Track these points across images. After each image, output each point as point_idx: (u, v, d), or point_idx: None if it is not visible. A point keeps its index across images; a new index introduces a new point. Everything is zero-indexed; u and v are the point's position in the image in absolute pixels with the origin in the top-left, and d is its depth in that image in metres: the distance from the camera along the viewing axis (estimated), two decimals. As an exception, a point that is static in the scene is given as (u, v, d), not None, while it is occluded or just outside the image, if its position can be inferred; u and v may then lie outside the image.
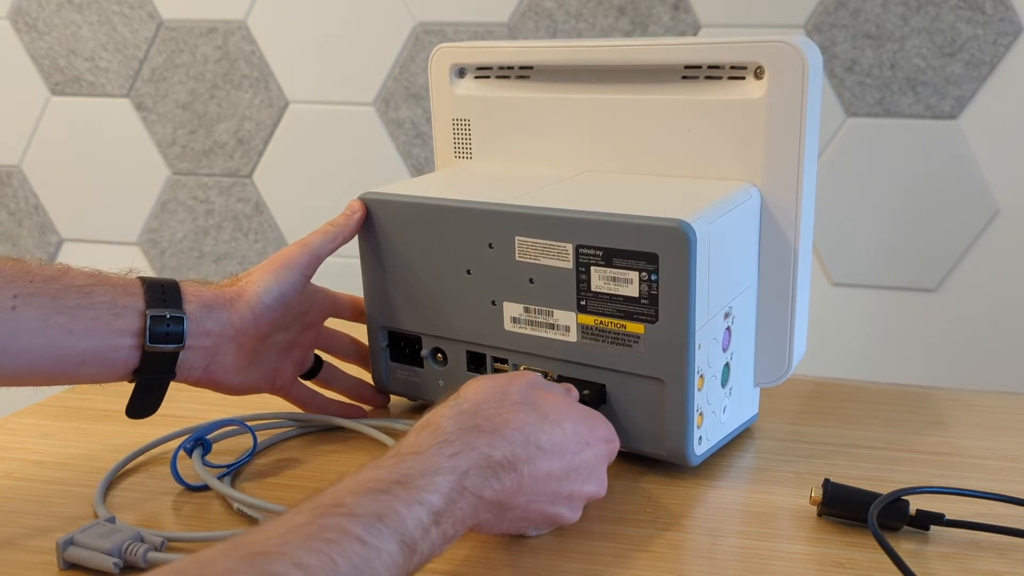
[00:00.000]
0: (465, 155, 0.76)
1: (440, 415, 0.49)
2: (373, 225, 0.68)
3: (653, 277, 0.57)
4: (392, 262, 0.67)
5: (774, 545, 0.55)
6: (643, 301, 0.57)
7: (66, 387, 0.79)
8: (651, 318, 0.58)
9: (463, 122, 0.75)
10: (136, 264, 1.56)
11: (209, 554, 0.37)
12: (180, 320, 0.58)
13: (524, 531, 0.54)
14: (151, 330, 0.57)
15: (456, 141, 0.76)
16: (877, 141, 1.24)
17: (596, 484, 0.54)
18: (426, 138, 1.41)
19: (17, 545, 0.56)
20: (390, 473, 0.43)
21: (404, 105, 1.39)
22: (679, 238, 0.55)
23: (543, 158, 0.72)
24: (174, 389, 0.78)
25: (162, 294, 0.57)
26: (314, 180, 1.44)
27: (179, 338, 0.58)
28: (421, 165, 1.36)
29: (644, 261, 0.57)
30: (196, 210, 1.51)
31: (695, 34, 1.25)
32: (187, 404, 0.75)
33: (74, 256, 1.59)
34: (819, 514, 0.57)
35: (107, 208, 1.55)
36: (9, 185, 1.57)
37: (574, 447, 0.52)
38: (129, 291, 0.57)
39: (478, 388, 0.52)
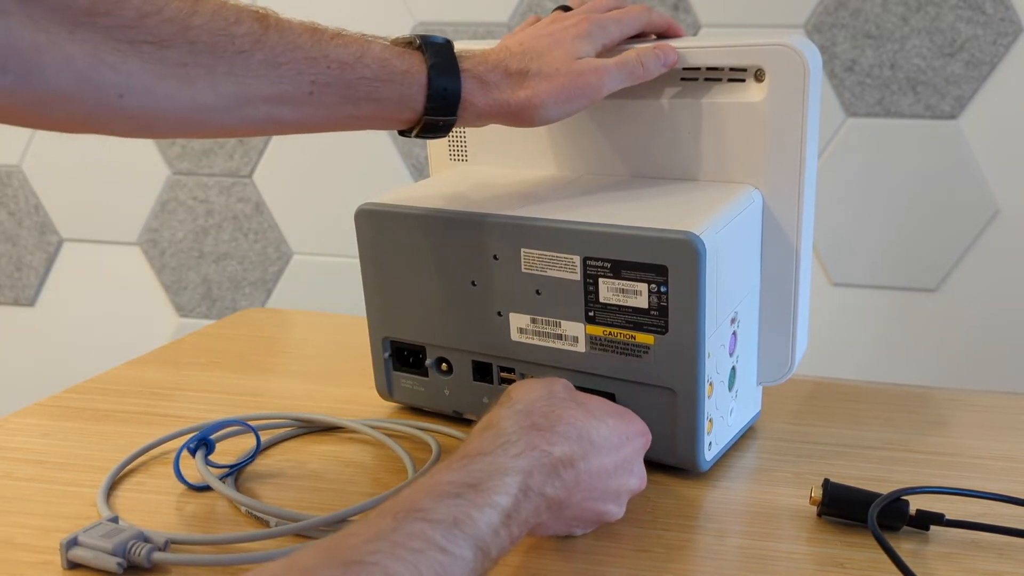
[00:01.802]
0: (460, 158, 0.75)
1: (499, 416, 0.50)
2: (374, 236, 0.67)
3: (663, 289, 0.56)
4: (394, 273, 0.67)
5: (774, 545, 0.55)
6: (652, 312, 0.57)
7: (67, 387, 0.79)
8: (661, 329, 0.58)
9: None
10: (138, 263, 1.56)
11: (306, 558, 0.38)
12: (452, 124, 0.59)
13: (572, 531, 0.55)
14: (425, 122, 0.59)
15: (451, 144, 0.75)
16: (877, 141, 1.24)
17: (638, 478, 0.55)
18: (426, 138, 1.41)
19: (19, 545, 0.56)
20: (462, 476, 0.44)
21: (404, 105, 1.39)
22: (689, 250, 0.55)
23: (539, 161, 0.72)
24: (176, 389, 0.78)
25: (442, 103, 0.58)
26: (314, 180, 1.44)
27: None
28: (421, 164, 1.36)
29: (653, 273, 0.57)
30: (196, 210, 1.51)
31: (695, 34, 1.25)
32: (189, 404, 0.75)
33: (74, 256, 1.59)
34: (819, 514, 0.57)
35: (107, 208, 1.55)
36: (9, 185, 1.57)
37: (617, 442, 0.53)
38: (411, 104, 0.58)
39: (527, 388, 0.53)
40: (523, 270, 0.61)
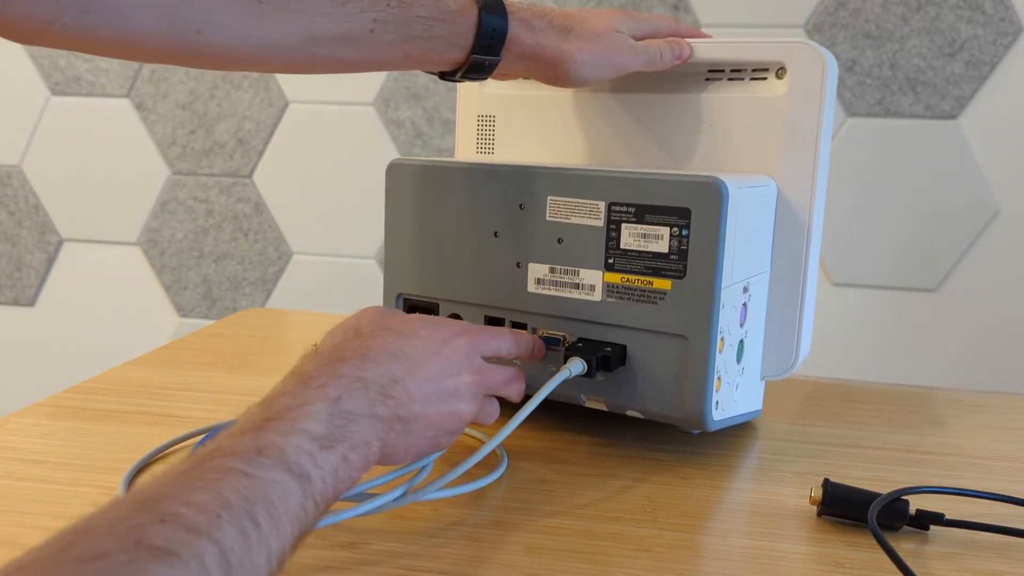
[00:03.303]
0: (487, 151, 0.78)
1: (301, 363, 0.50)
2: (403, 189, 0.69)
3: (684, 232, 0.59)
4: (418, 226, 0.69)
5: (774, 545, 0.55)
6: (672, 257, 0.59)
7: (67, 387, 0.79)
8: (679, 274, 0.59)
9: (488, 119, 0.77)
10: (138, 263, 1.56)
11: (103, 508, 0.38)
12: (495, 64, 0.62)
13: (439, 443, 0.54)
14: (472, 62, 0.61)
15: (479, 137, 0.78)
16: (877, 141, 1.24)
17: (471, 373, 0.55)
18: (426, 138, 1.41)
19: (18, 545, 0.56)
20: (262, 414, 0.44)
21: (404, 105, 1.39)
22: (713, 193, 0.58)
23: (566, 154, 0.74)
24: (176, 389, 0.78)
25: (490, 42, 0.61)
26: (314, 180, 1.45)
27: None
28: (421, 165, 1.37)
29: (676, 216, 0.59)
30: (196, 210, 1.51)
31: (695, 34, 1.25)
32: (189, 404, 0.75)
33: (74, 256, 1.59)
34: (819, 514, 0.57)
35: (107, 208, 1.55)
36: (9, 185, 1.57)
37: (435, 346, 0.54)
38: (461, 42, 0.60)
39: (332, 334, 0.54)
40: (547, 218, 0.63)
